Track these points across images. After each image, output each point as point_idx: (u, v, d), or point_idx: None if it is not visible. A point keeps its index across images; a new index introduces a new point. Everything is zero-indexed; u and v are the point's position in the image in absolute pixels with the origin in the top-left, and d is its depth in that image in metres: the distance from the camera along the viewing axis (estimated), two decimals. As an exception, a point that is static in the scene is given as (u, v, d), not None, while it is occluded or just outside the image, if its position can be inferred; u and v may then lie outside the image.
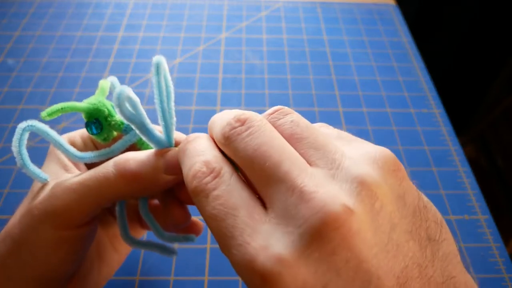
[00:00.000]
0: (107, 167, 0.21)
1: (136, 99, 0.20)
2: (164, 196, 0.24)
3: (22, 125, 0.21)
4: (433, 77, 0.55)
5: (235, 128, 0.18)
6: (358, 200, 0.15)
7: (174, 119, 0.22)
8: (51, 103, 0.48)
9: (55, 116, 0.21)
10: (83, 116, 0.23)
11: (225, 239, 0.15)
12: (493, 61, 1.00)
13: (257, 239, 0.14)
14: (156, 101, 0.21)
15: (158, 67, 0.21)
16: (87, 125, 0.23)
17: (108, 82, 0.24)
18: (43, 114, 0.21)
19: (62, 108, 0.21)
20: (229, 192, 0.16)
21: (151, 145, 0.22)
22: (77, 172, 0.24)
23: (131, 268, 0.34)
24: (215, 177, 0.17)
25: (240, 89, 0.51)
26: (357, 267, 0.14)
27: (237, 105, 0.49)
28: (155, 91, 0.21)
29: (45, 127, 0.21)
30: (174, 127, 0.22)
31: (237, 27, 0.61)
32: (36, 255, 0.21)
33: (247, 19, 0.63)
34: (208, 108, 0.49)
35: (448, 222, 0.39)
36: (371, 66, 0.56)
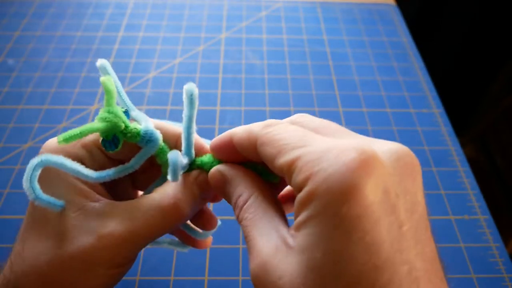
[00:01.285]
0: (155, 214, 0.21)
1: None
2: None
3: (35, 160, 0.19)
4: (433, 77, 0.55)
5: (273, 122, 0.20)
6: None
7: (194, 134, 0.23)
8: (51, 103, 0.48)
9: (73, 141, 0.20)
10: (100, 135, 0.22)
11: (307, 138, 0.18)
12: (493, 61, 1.00)
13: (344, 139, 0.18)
14: (184, 126, 0.22)
15: (192, 98, 0.21)
16: (106, 142, 0.22)
17: (110, 78, 0.22)
18: (59, 139, 0.19)
19: (80, 133, 0.20)
20: (302, 129, 0.19)
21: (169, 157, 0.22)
22: (95, 195, 0.22)
23: (131, 268, 0.34)
24: (292, 121, 0.21)
25: (240, 89, 0.51)
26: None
27: (237, 105, 0.49)
28: (185, 119, 0.22)
29: (60, 159, 0.20)
30: (193, 141, 0.23)
31: (237, 27, 0.61)
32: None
33: (247, 19, 0.63)
34: (208, 108, 0.49)
35: (448, 222, 0.39)
36: (371, 66, 0.56)
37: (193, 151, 0.23)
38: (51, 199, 0.21)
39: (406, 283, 0.14)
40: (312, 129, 0.19)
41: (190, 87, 0.21)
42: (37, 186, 0.20)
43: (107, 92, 0.21)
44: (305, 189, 0.16)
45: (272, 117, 0.48)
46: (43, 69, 0.53)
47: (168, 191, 0.22)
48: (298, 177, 0.16)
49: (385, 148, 0.17)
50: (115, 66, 0.53)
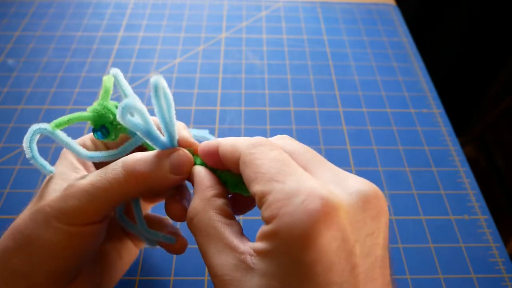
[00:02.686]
0: (117, 169, 0.22)
1: (142, 108, 0.21)
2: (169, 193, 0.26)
3: (34, 127, 0.22)
4: (433, 77, 0.55)
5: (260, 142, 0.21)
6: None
7: (176, 126, 0.24)
8: (51, 103, 0.48)
9: (62, 127, 0.23)
10: (89, 123, 0.24)
11: (284, 172, 0.19)
12: (493, 61, 1.00)
13: (317, 180, 0.18)
14: (158, 116, 0.23)
15: (156, 89, 0.21)
16: (94, 131, 0.24)
17: (111, 78, 0.24)
18: (51, 125, 0.22)
19: (68, 120, 0.23)
20: (286, 155, 0.21)
21: (156, 148, 0.24)
22: (85, 172, 0.25)
23: (131, 268, 0.34)
24: (276, 145, 0.21)
25: (240, 89, 0.51)
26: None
27: (237, 105, 0.49)
28: (156, 109, 0.22)
29: (55, 130, 0.23)
30: (176, 133, 0.24)
31: (237, 27, 0.61)
32: (47, 250, 0.22)
33: (247, 19, 0.63)
34: (208, 108, 0.49)
35: (448, 222, 0.39)
36: (371, 66, 0.56)
37: (176, 142, 0.24)
38: (44, 162, 0.23)
39: None
40: (288, 152, 0.20)
41: (155, 79, 0.21)
42: (34, 147, 0.23)
43: (104, 87, 0.24)
44: (269, 226, 0.17)
45: (272, 117, 0.48)
46: (43, 69, 0.53)
47: (136, 155, 0.23)
48: (266, 213, 0.18)
49: (353, 190, 0.18)
50: (115, 66, 0.53)
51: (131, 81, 0.51)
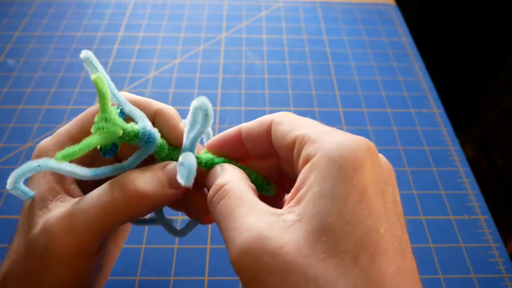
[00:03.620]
0: (112, 192, 0.20)
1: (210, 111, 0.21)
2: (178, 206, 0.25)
3: (33, 163, 0.20)
4: (433, 77, 0.55)
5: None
6: None
7: (197, 144, 0.23)
8: (51, 103, 0.48)
9: (72, 158, 0.19)
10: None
11: (314, 124, 0.20)
12: (493, 61, 1.00)
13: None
14: (191, 137, 0.22)
15: (207, 116, 0.21)
16: (104, 152, 0.21)
17: (101, 77, 0.20)
18: (58, 156, 0.19)
19: (79, 150, 0.19)
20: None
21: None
22: (66, 197, 0.22)
23: (131, 268, 0.34)
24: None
25: (240, 89, 0.51)
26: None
27: (237, 105, 0.49)
28: (195, 134, 0.22)
29: (57, 164, 0.20)
30: (196, 147, 0.23)
31: (237, 27, 0.61)
32: None
33: (247, 19, 0.63)
34: (208, 108, 0.49)
35: (448, 222, 0.39)
36: (371, 66, 0.56)
37: (195, 151, 0.23)
38: (26, 189, 0.21)
39: (396, 251, 0.17)
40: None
41: (203, 102, 0.20)
42: (21, 181, 0.21)
43: (101, 94, 0.20)
44: (318, 154, 0.17)
45: (272, 117, 0.48)
46: (43, 69, 0.53)
47: (131, 175, 0.21)
48: (311, 146, 0.18)
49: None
50: (115, 66, 0.53)
51: (131, 81, 0.51)
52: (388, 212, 0.17)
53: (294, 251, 0.16)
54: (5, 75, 0.52)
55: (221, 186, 0.20)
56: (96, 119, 0.20)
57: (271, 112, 0.48)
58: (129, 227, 0.31)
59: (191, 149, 0.23)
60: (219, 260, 0.35)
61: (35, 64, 0.53)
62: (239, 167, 0.23)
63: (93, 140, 0.19)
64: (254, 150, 0.22)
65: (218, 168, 0.22)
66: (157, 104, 0.24)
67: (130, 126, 0.21)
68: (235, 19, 0.62)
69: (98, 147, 0.21)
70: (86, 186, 0.23)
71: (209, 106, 0.21)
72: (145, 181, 0.21)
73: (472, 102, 1.07)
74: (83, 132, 0.23)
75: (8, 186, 0.20)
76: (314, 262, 0.15)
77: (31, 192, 0.22)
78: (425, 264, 0.36)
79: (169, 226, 0.27)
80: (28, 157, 0.41)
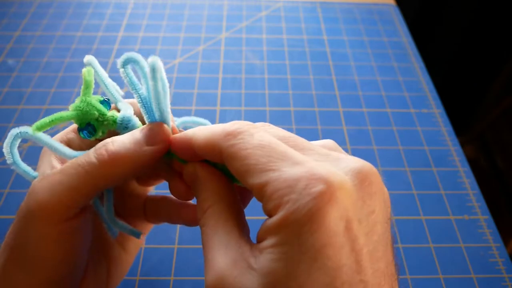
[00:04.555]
0: (89, 154, 0.21)
1: (144, 63, 0.21)
2: (168, 174, 0.24)
3: (14, 131, 0.21)
4: (433, 77, 0.55)
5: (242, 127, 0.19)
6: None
7: (170, 113, 0.23)
8: (51, 103, 0.48)
9: (45, 129, 0.21)
10: (74, 123, 0.23)
11: (275, 159, 0.17)
12: (493, 61, 1.00)
13: (313, 161, 0.17)
14: (153, 99, 0.22)
15: (154, 71, 0.20)
16: (80, 130, 0.23)
17: (91, 70, 0.23)
18: (33, 127, 0.21)
19: (51, 121, 0.21)
20: (271, 135, 0.19)
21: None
22: None
23: (131, 268, 0.34)
24: (256, 127, 0.19)
25: (240, 89, 0.51)
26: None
27: (237, 105, 0.49)
28: (152, 93, 0.21)
29: (37, 133, 0.21)
30: (170, 120, 0.23)
31: (237, 27, 0.61)
32: (35, 258, 0.21)
33: (247, 19, 0.63)
34: (208, 108, 0.49)
35: (448, 222, 0.39)
36: (371, 66, 0.56)
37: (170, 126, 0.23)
38: (27, 168, 0.22)
39: None
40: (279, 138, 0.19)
41: (153, 60, 0.20)
42: (16, 152, 0.22)
43: (85, 82, 0.22)
44: (274, 218, 0.17)
45: (272, 117, 0.48)
46: (43, 69, 0.53)
47: (107, 139, 0.21)
48: (268, 205, 0.17)
49: (348, 169, 0.18)
50: (115, 66, 0.53)
51: (131, 81, 0.51)
52: (353, 260, 0.16)
53: None
54: (5, 75, 0.52)
55: (203, 211, 0.20)
56: (76, 100, 0.23)
57: (271, 112, 0.48)
58: (140, 239, 0.30)
59: (163, 119, 0.23)
60: (219, 260, 0.35)
61: (35, 64, 0.53)
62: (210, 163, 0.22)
63: (64, 114, 0.22)
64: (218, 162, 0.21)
65: (199, 172, 0.21)
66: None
67: (111, 113, 0.23)
68: (235, 19, 0.62)
69: (77, 126, 0.23)
70: None
71: (137, 56, 0.21)
72: (119, 141, 0.21)
73: (472, 102, 1.07)
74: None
75: (8, 161, 0.21)
76: None
77: (34, 172, 0.22)
78: (425, 264, 0.36)
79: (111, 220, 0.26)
80: (28, 157, 0.41)
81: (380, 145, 0.46)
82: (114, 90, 0.25)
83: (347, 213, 0.16)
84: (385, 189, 0.19)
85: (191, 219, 0.27)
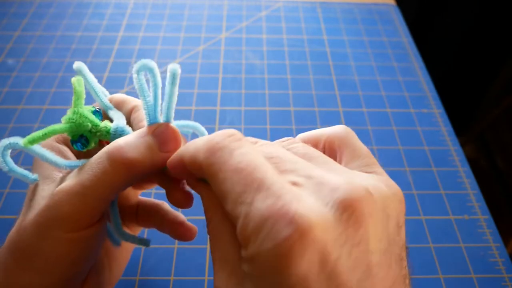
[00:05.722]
0: (102, 161, 0.20)
1: (157, 73, 0.21)
2: (165, 182, 0.24)
3: (4, 142, 0.21)
4: (433, 77, 0.55)
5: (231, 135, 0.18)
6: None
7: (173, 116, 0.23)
8: (51, 103, 0.48)
9: (37, 143, 0.21)
10: (67, 135, 0.22)
11: (249, 189, 0.16)
12: (493, 61, 1.00)
13: (289, 193, 0.16)
14: (165, 103, 0.22)
15: (174, 77, 0.20)
16: (73, 143, 0.22)
17: (80, 80, 0.22)
18: (24, 141, 0.20)
19: (44, 135, 0.21)
20: (253, 152, 0.17)
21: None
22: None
23: (131, 268, 0.34)
24: (239, 139, 0.18)
25: (240, 89, 0.51)
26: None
27: (237, 105, 0.49)
28: (166, 98, 0.21)
29: (27, 145, 0.21)
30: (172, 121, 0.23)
31: (237, 27, 0.61)
32: (50, 262, 0.21)
33: (247, 19, 0.63)
34: (208, 108, 0.49)
35: (448, 222, 0.39)
36: (371, 66, 0.56)
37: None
38: (25, 171, 0.22)
39: None
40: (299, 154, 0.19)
41: (174, 67, 0.20)
42: (9, 160, 0.21)
43: (75, 93, 0.22)
44: (245, 252, 0.16)
45: (272, 117, 0.48)
46: (43, 69, 0.53)
47: (118, 141, 0.21)
48: (239, 237, 0.16)
49: (330, 198, 0.16)
50: (115, 66, 0.53)
51: (131, 81, 0.51)
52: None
53: None
54: (5, 75, 0.52)
55: (207, 221, 0.20)
56: (67, 112, 0.22)
57: (271, 112, 0.48)
58: (136, 231, 0.31)
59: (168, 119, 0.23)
60: (219, 260, 0.35)
61: (35, 64, 0.53)
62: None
63: (57, 127, 0.21)
64: None
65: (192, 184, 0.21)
66: (134, 101, 0.26)
67: (104, 123, 0.23)
68: (235, 19, 0.62)
69: (70, 138, 0.23)
70: None
71: (152, 64, 0.21)
72: (133, 147, 0.21)
73: (472, 102, 1.07)
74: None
75: (3, 169, 0.21)
76: None
77: (33, 175, 0.22)
78: (425, 264, 0.36)
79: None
80: (28, 157, 0.41)
81: (380, 145, 0.46)
82: (104, 96, 0.25)
83: (321, 254, 0.15)
84: (390, 208, 0.18)
85: (181, 235, 0.27)
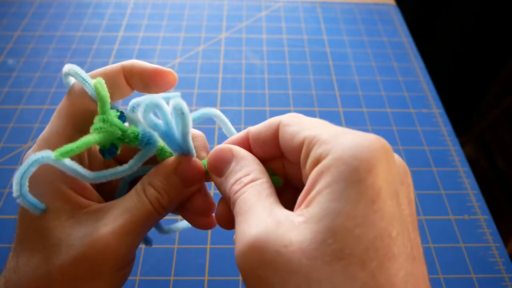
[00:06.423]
0: (143, 201, 0.21)
1: (166, 108, 0.20)
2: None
3: (33, 157, 0.18)
4: (433, 77, 0.55)
5: None
6: None
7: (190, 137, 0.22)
8: (51, 103, 0.48)
9: (69, 156, 0.19)
10: (98, 145, 0.21)
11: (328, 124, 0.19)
12: (493, 61, 1.00)
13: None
14: (180, 138, 0.21)
15: (184, 114, 0.19)
16: (104, 153, 0.21)
17: (102, 82, 0.21)
18: (56, 154, 0.19)
19: (77, 147, 0.19)
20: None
21: (173, 152, 0.22)
22: (83, 201, 0.22)
23: (131, 268, 0.35)
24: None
25: (240, 89, 0.51)
26: None
27: (237, 105, 0.49)
28: (180, 130, 0.21)
29: (59, 158, 0.19)
30: (191, 140, 0.22)
31: (237, 27, 0.61)
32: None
33: (247, 19, 0.63)
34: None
35: (448, 222, 0.39)
36: (371, 66, 0.56)
37: (192, 146, 0.23)
38: (34, 200, 0.20)
39: (408, 257, 0.16)
40: None
41: (177, 101, 0.19)
42: (26, 183, 0.19)
43: (100, 98, 0.20)
44: (329, 157, 0.17)
45: (272, 117, 0.48)
46: (43, 69, 0.53)
47: (151, 191, 0.22)
48: (321, 148, 0.17)
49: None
50: (115, 66, 0.53)
51: (131, 81, 0.51)
52: (402, 215, 0.16)
53: (299, 251, 0.15)
54: (5, 75, 0.52)
55: (250, 181, 0.20)
56: (95, 120, 0.20)
57: (271, 112, 0.48)
58: None
59: (187, 150, 0.22)
60: (219, 260, 0.35)
61: (35, 64, 0.53)
62: None
63: (91, 139, 0.20)
64: (260, 153, 0.22)
65: (227, 152, 0.21)
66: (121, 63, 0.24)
67: (131, 129, 0.22)
68: (235, 19, 0.62)
69: (98, 148, 0.21)
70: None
71: (183, 104, 0.20)
72: (165, 189, 0.22)
73: (472, 102, 1.07)
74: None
75: (14, 193, 0.19)
76: (318, 265, 0.15)
77: (40, 205, 0.20)
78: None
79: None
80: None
81: (380, 145, 0.46)
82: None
83: (393, 169, 0.17)
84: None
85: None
